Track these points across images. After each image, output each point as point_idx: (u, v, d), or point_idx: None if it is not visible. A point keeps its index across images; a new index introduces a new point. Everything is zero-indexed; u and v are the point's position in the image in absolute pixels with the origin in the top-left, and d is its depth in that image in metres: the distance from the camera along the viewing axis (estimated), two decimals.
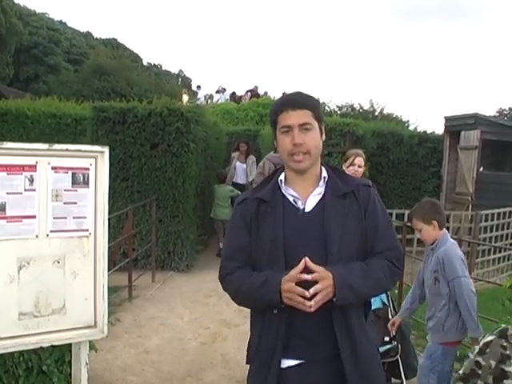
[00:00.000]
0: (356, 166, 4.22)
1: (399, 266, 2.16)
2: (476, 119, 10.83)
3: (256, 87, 22.88)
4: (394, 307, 4.06)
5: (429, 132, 12.97)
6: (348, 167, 4.19)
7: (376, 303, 3.81)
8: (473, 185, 10.64)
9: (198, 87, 26.14)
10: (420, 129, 15.07)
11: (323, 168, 2.18)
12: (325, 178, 2.14)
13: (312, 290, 1.90)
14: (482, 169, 11.06)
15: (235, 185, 10.51)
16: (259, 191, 2.18)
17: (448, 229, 9.78)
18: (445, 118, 11.93)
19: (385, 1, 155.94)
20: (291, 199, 2.12)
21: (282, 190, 2.15)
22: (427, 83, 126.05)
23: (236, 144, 11.31)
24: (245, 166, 10.80)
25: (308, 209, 2.10)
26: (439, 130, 13.05)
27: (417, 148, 11.59)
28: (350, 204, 2.10)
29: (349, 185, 2.14)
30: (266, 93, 22.17)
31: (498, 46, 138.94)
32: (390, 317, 3.90)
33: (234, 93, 22.84)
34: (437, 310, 3.63)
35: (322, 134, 2.15)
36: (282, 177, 2.17)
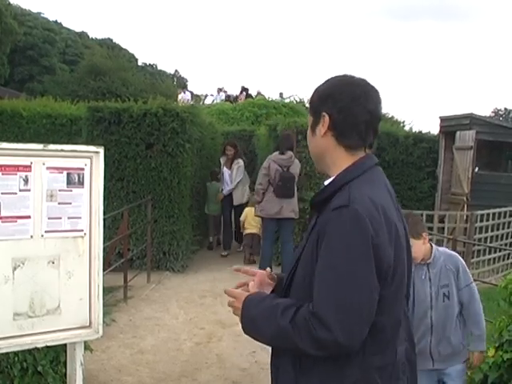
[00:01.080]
0: None
1: (320, 332, 1.55)
2: (471, 119, 10.84)
3: (243, 87, 22.88)
4: None
5: (424, 132, 12.97)
6: None
7: None
8: (468, 185, 10.65)
9: (184, 89, 26.41)
10: (415, 129, 15.10)
11: (343, 171, 1.76)
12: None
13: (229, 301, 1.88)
14: (477, 169, 11.07)
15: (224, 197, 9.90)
16: None
17: (443, 229, 9.84)
18: (440, 118, 11.94)
19: (380, 1, 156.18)
20: None
21: None
22: (422, 83, 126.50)
23: (222, 148, 10.25)
24: (230, 171, 9.79)
25: None
26: (434, 130, 13.10)
27: (412, 148, 11.59)
28: (315, 224, 1.74)
29: (318, 197, 1.78)
30: (258, 92, 22.17)
31: (493, 46, 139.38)
32: None
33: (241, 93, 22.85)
34: (451, 331, 3.32)
35: (315, 129, 1.81)
36: None
